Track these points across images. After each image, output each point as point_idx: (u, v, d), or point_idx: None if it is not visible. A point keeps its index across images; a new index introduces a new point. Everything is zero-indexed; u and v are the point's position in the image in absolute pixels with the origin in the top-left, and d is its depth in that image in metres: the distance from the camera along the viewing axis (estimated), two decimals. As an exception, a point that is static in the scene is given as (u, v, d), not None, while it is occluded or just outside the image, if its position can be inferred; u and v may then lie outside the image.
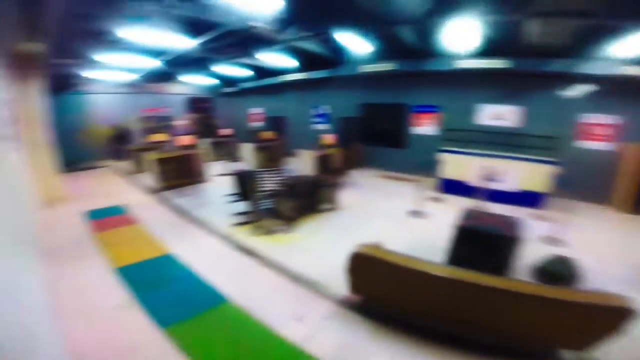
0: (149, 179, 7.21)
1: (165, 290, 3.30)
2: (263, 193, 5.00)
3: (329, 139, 8.41)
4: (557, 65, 6.74)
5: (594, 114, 7.17)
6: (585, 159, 7.32)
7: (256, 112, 14.64)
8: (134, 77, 11.40)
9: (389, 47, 7.64)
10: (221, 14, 5.17)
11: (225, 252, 4.28)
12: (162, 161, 7.08)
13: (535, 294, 2.22)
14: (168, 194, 6.80)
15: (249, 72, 11.23)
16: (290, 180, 5.35)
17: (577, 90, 6.61)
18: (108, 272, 3.66)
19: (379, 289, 2.92)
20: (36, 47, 5.30)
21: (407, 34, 6.69)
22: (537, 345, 2.62)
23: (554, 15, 4.60)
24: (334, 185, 5.85)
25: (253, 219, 4.91)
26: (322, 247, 4.34)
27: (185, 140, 7.67)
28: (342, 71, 9.54)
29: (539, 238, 4.77)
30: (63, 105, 10.53)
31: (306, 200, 5.30)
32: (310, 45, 7.86)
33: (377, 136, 10.30)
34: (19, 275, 3.00)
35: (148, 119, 13.63)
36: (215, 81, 13.14)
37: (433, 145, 8.61)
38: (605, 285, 3.55)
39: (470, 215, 3.95)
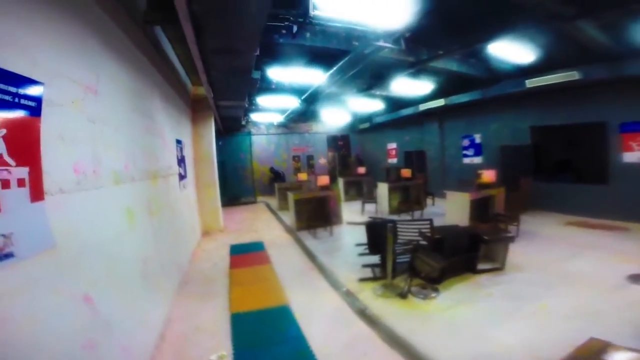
0: (290, 217, 7.46)
1: (266, 354, 2.79)
2: (400, 245, 4.09)
3: (488, 175, 6.71)
4: None
5: None
6: None
7: (391, 148, 14.02)
8: (281, 118, 12.84)
9: (563, 51, 5.69)
10: (344, 40, 4.93)
11: (345, 315, 3.44)
12: (300, 201, 7.24)
13: None
14: (303, 234, 6.77)
15: (381, 105, 10.80)
16: (439, 230, 4.24)
17: None
18: (224, 317, 3.45)
19: None
20: (204, 90, 6.11)
21: (585, 32, 4.80)
22: None
23: None
24: (500, 239, 4.30)
25: (385, 275, 4.03)
26: (477, 324, 2.97)
27: (323, 180, 7.68)
28: (500, 89, 7.75)
29: None
30: (230, 146, 12.86)
31: (458, 257, 4.01)
32: (451, 64, 6.75)
33: (558, 168, 7.68)
34: (153, 308, 3.10)
35: (295, 157, 15.15)
36: (350, 118, 13.43)
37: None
38: None
39: None
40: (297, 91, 8.63)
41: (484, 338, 2.76)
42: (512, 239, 4.28)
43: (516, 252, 4.44)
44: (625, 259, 4.24)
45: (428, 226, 4.20)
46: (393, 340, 2.86)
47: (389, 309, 3.38)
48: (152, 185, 3.65)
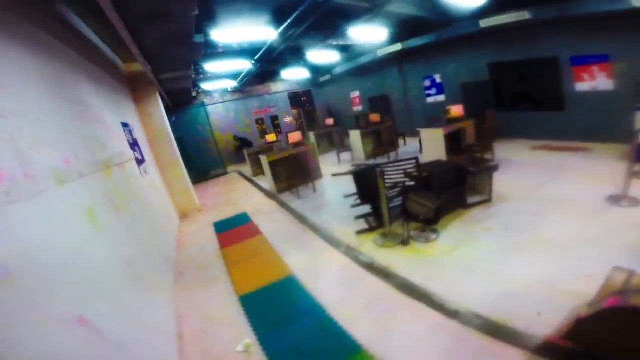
0: (268, 181, 7.13)
1: (289, 332, 2.67)
2: (390, 190, 3.97)
3: (456, 110, 6.71)
4: None
5: None
6: None
7: (355, 96, 13.67)
8: (235, 83, 11.94)
9: None
10: None
11: (353, 272, 3.39)
12: (275, 162, 6.90)
13: None
14: (286, 196, 6.54)
15: (340, 56, 10.26)
16: (425, 168, 4.15)
17: None
18: (232, 301, 3.27)
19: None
20: (139, 66, 5.47)
21: None
22: None
23: None
24: (487, 169, 4.30)
25: (381, 224, 3.97)
26: (487, 262, 3.02)
27: (295, 137, 7.31)
28: (455, 31, 7.64)
29: None
30: (184, 120, 11.89)
31: (449, 193, 3.99)
32: (406, 8, 6.38)
33: (517, 99, 7.95)
34: (158, 310, 2.84)
35: (258, 121, 14.38)
36: (310, 73, 12.73)
37: (608, 102, 6.10)
38: None
39: None
40: (249, 52, 7.90)
41: (499, 276, 2.80)
42: (496, 168, 4.31)
43: (497, 182, 4.52)
44: (598, 179, 4.44)
45: (414, 165, 4.08)
46: (411, 291, 2.84)
47: (396, 259, 3.37)
48: (107, 177, 3.15)
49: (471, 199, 4.30)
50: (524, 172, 5.35)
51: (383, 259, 3.40)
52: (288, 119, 14.98)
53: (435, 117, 7.86)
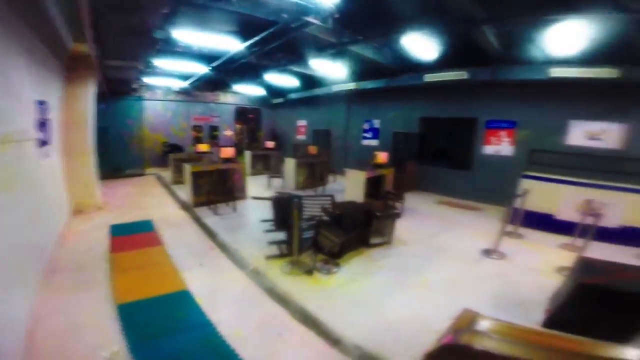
0: (186, 192, 6.78)
1: (168, 344, 2.52)
2: (305, 221, 4.17)
3: (382, 157, 7.38)
4: None
5: None
6: None
7: (301, 125, 14.13)
8: (185, 84, 11.53)
9: (461, 52, 6.54)
10: (273, 10, 4.60)
11: (253, 294, 3.40)
12: (199, 174, 6.62)
13: None
14: (202, 210, 6.27)
15: (297, 82, 10.73)
16: (339, 206, 4.45)
17: None
18: (107, 308, 2.98)
19: None
20: (87, 48, 5.10)
21: (486, 36, 5.58)
22: None
23: None
24: (389, 215, 4.80)
25: (291, 252, 4.07)
26: (375, 297, 3.32)
27: (227, 152, 7.15)
28: (402, 81, 8.53)
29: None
30: (116, 110, 10.91)
31: (356, 232, 4.33)
32: (367, 51, 7.06)
33: (437, 155, 9.05)
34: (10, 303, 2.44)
35: (196, 127, 13.79)
36: (264, 92, 12.94)
37: (505, 167, 7.30)
38: None
39: (592, 266, 2.76)
40: (208, 57, 7.83)
41: (383, 310, 3.09)
42: (398, 215, 4.83)
43: (400, 227, 5.06)
44: (479, 234, 5.36)
45: (330, 202, 4.37)
46: (304, 318, 2.95)
47: (297, 287, 3.46)
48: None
49: (374, 240, 4.68)
50: (424, 222, 6.05)
51: (285, 285, 3.46)
52: (228, 133, 14.68)
53: (365, 160, 8.48)
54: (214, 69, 8.50)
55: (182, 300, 3.18)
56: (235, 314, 3.00)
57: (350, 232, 4.13)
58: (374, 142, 10.57)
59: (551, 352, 1.48)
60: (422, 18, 5.00)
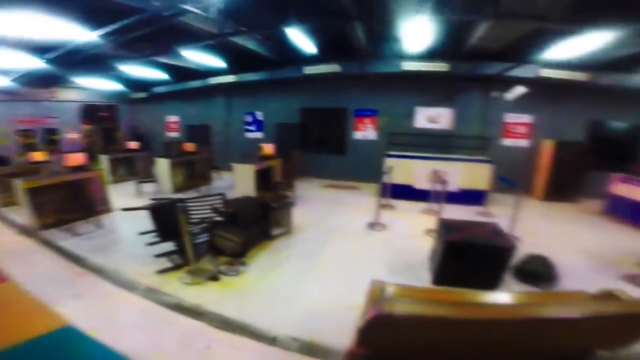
0: (25, 213, 5.13)
1: None
2: (196, 226, 3.80)
3: (268, 148, 7.37)
4: (489, 69, 7.12)
5: (514, 114, 7.81)
6: (510, 155, 7.91)
7: (172, 121, 12.61)
8: (6, 82, 8.61)
9: (336, 47, 7.05)
10: None
11: (157, 314, 2.91)
12: (38, 190, 5.10)
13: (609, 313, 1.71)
14: (53, 233, 4.91)
15: (165, 75, 9.38)
16: (232, 204, 4.22)
17: (509, 93, 7.02)
18: None
19: (398, 345, 2.12)
20: None
21: (356, 32, 6.13)
22: (576, 352, 2.19)
23: (513, 17, 4.50)
24: (287, 204, 4.88)
25: (187, 261, 3.66)
26: (290, 287, 3.37)
27: (75, 159, 5.72)
28: (284, 73, 8.65)
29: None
30: None
31: (255, 227, 4.24)
32: (250, 43, 6.78)
33: (317, 143, 9.70)
34: None
35: (25, 132, 10.57)
36: (121, 86, 10.83)
37: (372, 149, 8.45)
38: (581, 278, 3.56)
39: (451, 226, 3.53)
40: (39, 48, 6.08)
41: (299, 298, 3.14)
42: (293, 204, 4.97)
43: (296, 215, 5.22)
44: (361, 210, 6.05)
45: (221, 200, 4.10)
46: (229, 325, 2.74)
47: (207, 295, 3.16)
48: None
49: (275, 231, 4.70)
50: (315, 206, 6.46)
51: (193, 297, 3.12)
52: (73, 135, 11.83)
53: (251, 152, 8.31)
54: (50, 61, 6.60)
55: (70, 338, 2.50)
56: (146, 339, 2.54)
57: (249, 228, 4.01)
58: (258, 135, 10.46)
59: (449, 306, 1.82)
60: (304, 11, 5.09)
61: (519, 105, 7.62)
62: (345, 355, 2.31)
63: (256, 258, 4.03)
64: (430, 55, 6.89)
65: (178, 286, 3.35)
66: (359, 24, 5.70)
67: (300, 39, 5.79)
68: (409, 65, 7.36)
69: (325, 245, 4.49)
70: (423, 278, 3.52)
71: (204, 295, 3.18)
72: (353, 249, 4.39)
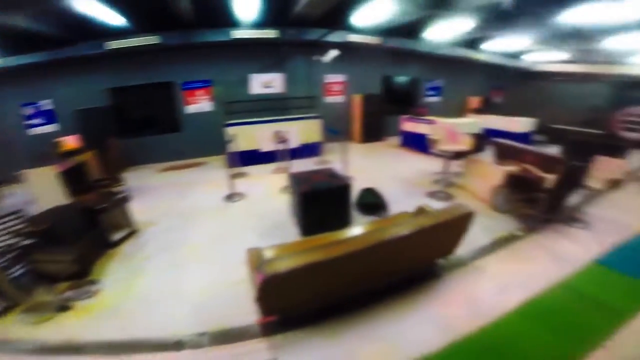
0: None
1: None
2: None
3: (71, 142, 5.71)
4: (311, 34, 7.73)
5: (332, 75, 8.98)
6: (332, 110, 9.19)
7: None
8: None
9: (154, 17, 6.11)
10: None
11: None
12: None
13: (432, 225, 2.39)
14: None
15: None
16: (40, 220, 3.16)
17: (326, 56, 7.84)
18: None
19: (293, 297, 2.29)
20: None
21: (178, 1, 5.42)
22: (423, 266, 2.99)
23: None
24: (118, 202, 4.03)
25: (14, 300, 2.60)
26: (164, 287, 2.97)
27: None
28: (78, 51, 6.75)
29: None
30: None
31: (86, 238, 3.34)
32: (17, 19, 4.80)
33: (142, 124, 8.24)
34: None
35: None
36: None
37: (211, 121, 8.00)
38: (400, 200, 4.64)
39: (299, 179, 3.89)
40: None
41: (182, 290, 2.89)
42: (127, 199, 4.18)
43: (138, 210, 4.48)
44: (216, 185, 5.71)
45: (20, 220, 3.02)
46: (120, 348, 2.27)
47: (71, 327, 2.49)
48: None
49: (117, 235, 3.88)
50: (160, 194, 5.68)
51: (54, 334, 2.39)
52: None
53: (45, 152, 6.26)
54: None
55: None
56: None
57: (78, 242, 3.16)
58: (49, 128, 7.84)
59: (316, 249, 2.06)
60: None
61: (334, 67, 8.75)
62: (260, 330, 2.33)
63: (107, 271, 3.28)
64: (260, 23, 6.99)
65: (27, 329, 2.48)
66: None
67: (99, 10, 4.56)
68: (239, 34, 7.21)
69: (185, 231, 4.11)
70: (292, 233, 3.79)
71: (66, 329, 2.47)
72: (217, 225, 4.22)
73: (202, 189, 5.76)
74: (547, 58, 10.81)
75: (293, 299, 2.26)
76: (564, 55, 9.75)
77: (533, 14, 5.81)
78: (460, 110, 11.37)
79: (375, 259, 2.33)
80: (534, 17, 6.04)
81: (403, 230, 2.28)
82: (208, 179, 6.31)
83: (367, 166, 6.77)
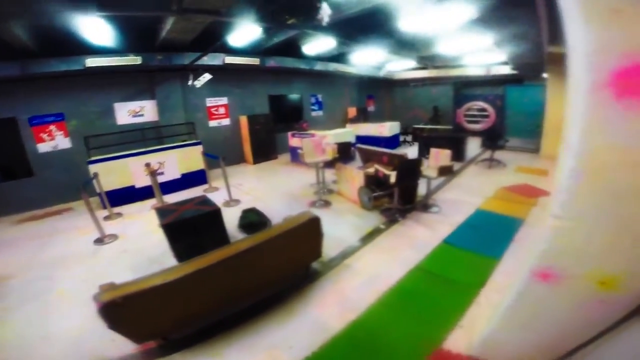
0: None
1: None
2: None
3: None
4: (183, 59, 7.59)
5: (213, 98, 8.94)
6: (219, 133, 9.13)
7: None
8: None
9: None
10: None
11: None
12: None
13: (278, 234, 2.64)
14: None
15: None
16: None
17: (197, 81, 7.72)
18: None
19: (156, 319, 2.29)
20: None
21: (13, 31, 4.85)
22: (295, 272, 3.24)
23: (194, 12, 5.00)
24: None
25: None
26: (30, 338, 2.64)
27: None
28: None
29: (222, 204, 5.47)
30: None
31: None
32: None
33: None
34: None
35: None
36: None
37: (70, 159, 7.00)
38: (283, 214, 4.89)
39: (165, 212, 3.81)
40: None
41: (54, 337, 2.71)
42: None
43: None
44: (85, 231, 5.11)
45: None
46: None
47: None
48: None
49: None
50: (15, 249, 4.83)
51: None
52: None
53: None
54: None
55: None
56: None
57: None
58: None
59: (164, 273, 2.18)
60: None
61: (216, 90, 8.74)
62: (141, 357, 2.39)
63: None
64: (120, 49, 6.59)
65: None
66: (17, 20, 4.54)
67: None
68: (95, 62, 6.57)
69: (53, 280, 3.71)
70: (171, 264, 3.62)
71: None
72: (87, 269, 3.91)
73: (68, 236, 5.11)
74: (403, 66, 12.43)
75: (159, 322, 2.28)
76: (413, 62, 11.43)
77: (379, 25, 6.81)
78: (342, 121, 12.52)
79: (234, 271, 2.53)
80: (381, 29, 7.07)
81: (254, 240, 2.51)
82: (75, 226, 5.56)
83: (256, 186, 6.95)
